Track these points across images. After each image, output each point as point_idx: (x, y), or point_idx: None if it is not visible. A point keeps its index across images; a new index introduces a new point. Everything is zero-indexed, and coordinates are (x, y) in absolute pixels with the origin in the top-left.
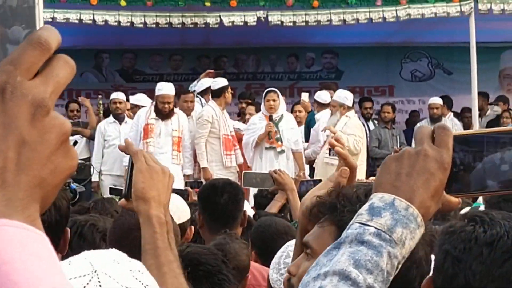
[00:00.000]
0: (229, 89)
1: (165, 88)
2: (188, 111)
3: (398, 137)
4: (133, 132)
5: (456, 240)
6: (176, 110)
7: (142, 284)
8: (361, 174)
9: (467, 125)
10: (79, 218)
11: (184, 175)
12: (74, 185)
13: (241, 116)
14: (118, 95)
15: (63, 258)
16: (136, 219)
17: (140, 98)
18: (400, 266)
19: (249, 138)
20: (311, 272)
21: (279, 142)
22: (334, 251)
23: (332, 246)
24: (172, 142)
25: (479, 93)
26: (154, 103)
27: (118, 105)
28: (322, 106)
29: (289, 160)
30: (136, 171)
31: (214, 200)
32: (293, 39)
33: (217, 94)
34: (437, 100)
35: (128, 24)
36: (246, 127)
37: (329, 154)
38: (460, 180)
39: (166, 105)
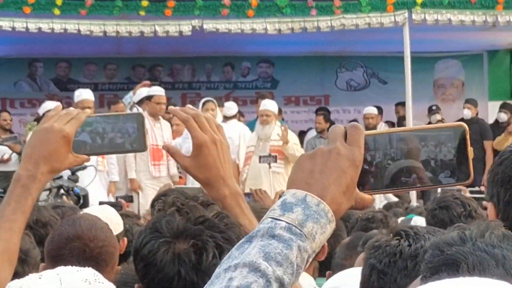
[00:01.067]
0: (159, 100)
1: (84, 94)
2: None
3: None
4: None
5: (382, 254)
6: None
7: None
8: None
9: None
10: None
11: (110, 182)
12: (77, 189)
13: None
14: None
15: None
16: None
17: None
18: (310, 259)
19: (189, 147)
20: (223, 265)
21: None
22: (246, 245)
23: (244, 239)
24: None
25: (398, 103)
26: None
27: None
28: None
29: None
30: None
31: None
32: (229, 48)
33: (139, 104)
34: (371, 110)
35: (62, 31)
36: (184, 136)
37: (276, 162)
38: (372, 178)
39: (87, 110)
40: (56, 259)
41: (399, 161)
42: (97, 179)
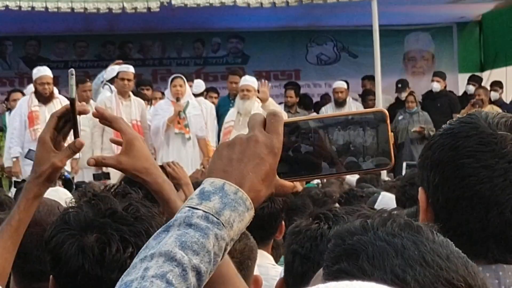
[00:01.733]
0: (123, 76)
1: (42, 70)
2: (87, 101)
3: None
4: (17, 122)
5: (303, 239)
6: (57, 94)
7: None
8: None
9: (369, 107)
10: None
11: (74, 158)
12: (68, 175)
13: (149, 102)
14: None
15: None
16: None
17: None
18: (229, 247)
19: (159, 122)
20: (140, 254)
21: (187, 129)
22: (163, 234)
23: (161, 229)
24: None
25: (365, 77)
26: (33, 89)
27: (46, 86)
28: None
29: (195, 148)
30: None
31: None
32: (199, 24)
33: (111, 82)
34: (341, 84)
35: (30, 9)
36: (153, 113)
37: None
38: (292, 164)
39: (46, 86)
40: None
41: (318, 147)
42: None
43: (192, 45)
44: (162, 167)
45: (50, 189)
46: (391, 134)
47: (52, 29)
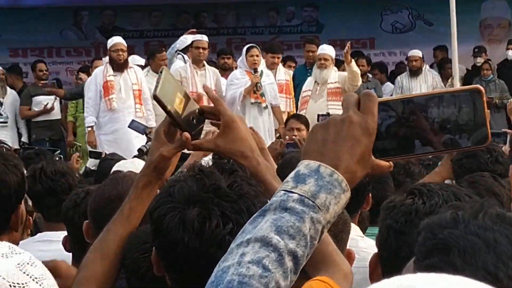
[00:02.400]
0: (198, 44)
1: (115, 39)
2: None
3: (373, 90)
4: (92, 92)
5: (397, 214)
6: (132, 64)
7: (30, 277)
8: None
9: (446, 76)
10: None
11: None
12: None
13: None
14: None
15: (28, 235)
16: (117, 189)
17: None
18: (325, 230)
19: (235, 92)
20: (236, 240)
21: (263, 98)
22: (259, 219)
23: (257, 213)
24: (133, 95)
25: (436, 47)
26: (108, 58)
27: (120, 52)
28: None
29: (270, 116)
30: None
31: None
32: None
33: (185, 52)
34: (416, 53)
35: None
36: (228, 83)
37: None
38: (387, 144)
39: (120, 52)
40: (97, 219)
41: (413, 126)
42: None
43: (266, 14)
44: (291, 143)
45: (127, 161)
46: (487, 112)
47: None
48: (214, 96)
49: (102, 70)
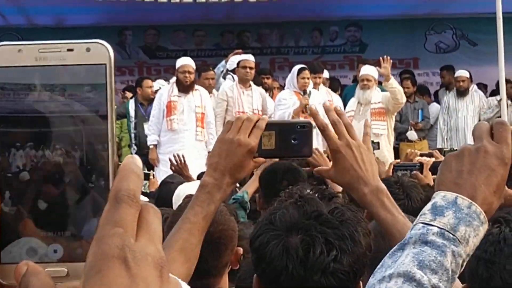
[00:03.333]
0: (245, 64)
1: (184, 59)
2: (209, 89)
3: (419, 111)
4: (156, 110)
5: (485, 244)
6: (198, 86)
7: None
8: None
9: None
10: None
11: (209, 152)
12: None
13: (269, 91)
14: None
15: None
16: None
17: (163, 83)
18: (465, 263)
19: (284, 113)
20: (376, 275)
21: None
22: (398, 253)
23: (396, 247)
24: (195, 118)
25: (443, 67)
26: (175, 78)
27: (187, 74)
28: None
29: (318, 136)
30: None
31: (274, 186)
32: (317, 13)
33: (234, 72)
34: (463, 73)
35: (152, 0)
36: (276, 103)
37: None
38: None
39: (187, 74)
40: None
41: None
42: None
43: (310, 34)
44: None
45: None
46: None
47: (171, 19)
48: (320, 123)
49: (168, 90)
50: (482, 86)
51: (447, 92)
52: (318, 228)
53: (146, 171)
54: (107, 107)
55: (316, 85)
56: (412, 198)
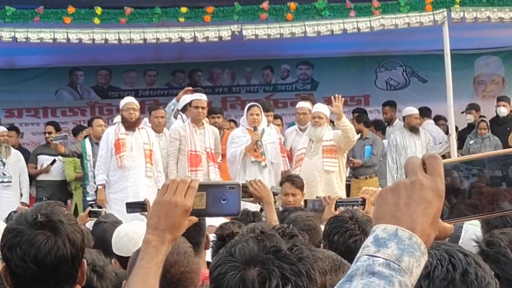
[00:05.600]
0: (197, 104)
1: (127, 98)
2: (159, 127)
3: (366, 147)
4: (104, 150)
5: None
6: (143, 124)
7: None
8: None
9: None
10: None
11: (158, 189)
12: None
13: (220, 130)
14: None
15: None
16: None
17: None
18: None
19: (236, 151)
20: None
21: (263, 156)
22: (346, 284)
23: (344, 279)
24: (144, 154)
25: (386, 103)
26: (119, 117)
27: (132, 111)
28: None
29: (271, 174)
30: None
31: None
32: (268, 52)
33: (183, 111)
34: (414, 110)
35: (103, 41)
36: (229, 141)
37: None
38: (450, 206)
39: (132, 111)
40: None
41: (478, 187)
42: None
43: (261, 72)
44: (244, 185)
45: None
46: None
47: (123, 59)
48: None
49: (114, 129)
50: (443, 119)
51: (390, 127)
52: (276, 263)
53: (97, 209)
54: None
55: (268, 123)
56: (367, 233)
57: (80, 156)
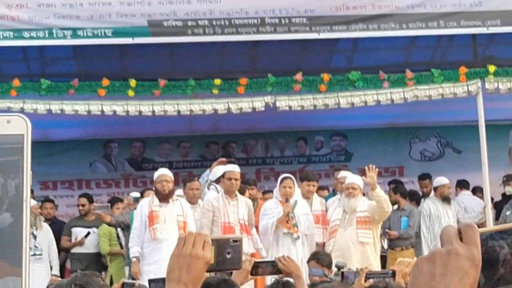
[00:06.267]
0: (230, 175)
1: (161, 170)
2: (194, 199)
3: (403, 219)
4: (138, 222)
5: None
6: (177, 196)
7: None
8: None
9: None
10: None
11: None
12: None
13: (254, 201)
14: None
15: None
16: None
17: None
18: None
19: (268, 223)
20: None
21: (295, 228)
22: None
23: None
24: (178, 226)
25: (425, 176)
26: (154, 190)
27: (165, 183)
28: None
29: (304, 246)
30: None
31: None
32: (301, 123)
33: (217, 182)
34: (446, 180)
35: (137, 113)
36: (261, 213)
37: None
38: (490, 276)
39: (165, 183)
40: None
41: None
42: None
43: (295, 144)
44: (274, 262)
45: None
46: None
47: (157, 131)
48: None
49: (148, 201)
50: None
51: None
52: None
53: (131, 281)
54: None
55: (309, 193)
56: None
57: (128, 227)
